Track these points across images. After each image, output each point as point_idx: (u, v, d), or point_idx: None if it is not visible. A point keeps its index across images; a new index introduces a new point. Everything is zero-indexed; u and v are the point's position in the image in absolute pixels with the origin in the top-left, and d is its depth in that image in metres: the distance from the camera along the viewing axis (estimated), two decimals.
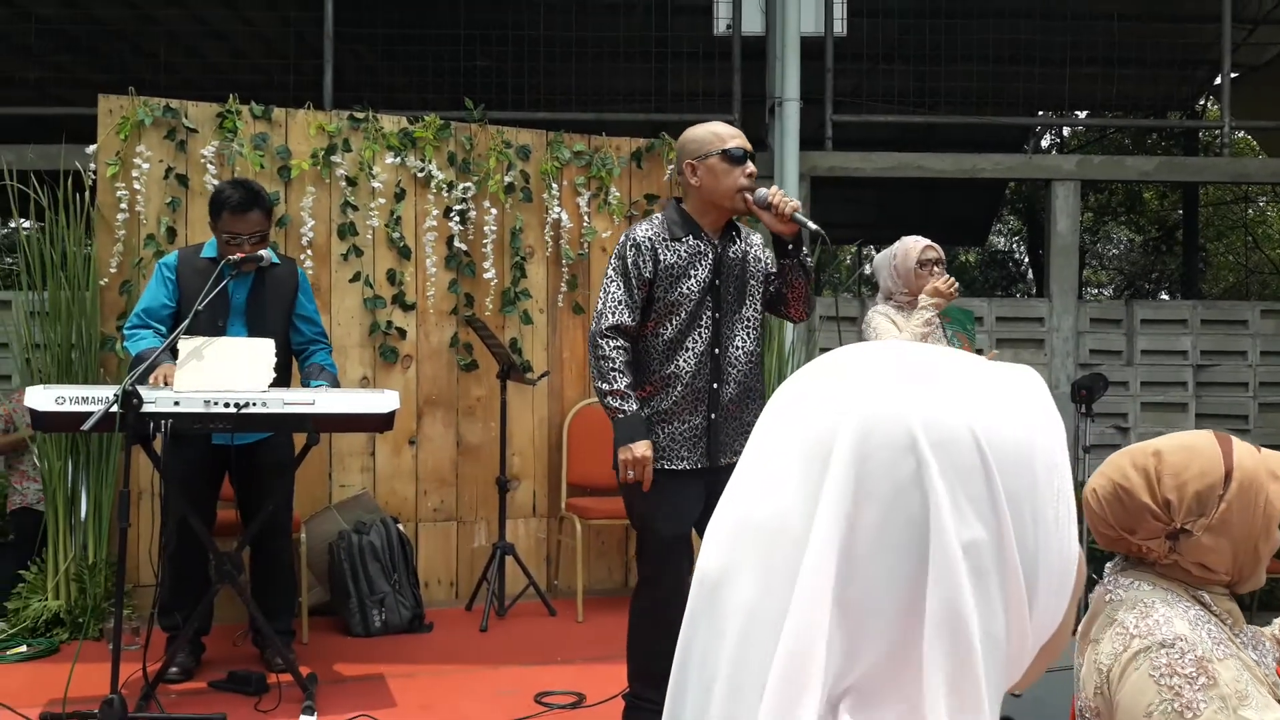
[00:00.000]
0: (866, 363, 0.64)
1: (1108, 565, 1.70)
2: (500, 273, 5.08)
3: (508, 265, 5.11)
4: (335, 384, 3.86)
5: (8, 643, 4.06)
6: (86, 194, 4.51)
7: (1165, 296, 15.57)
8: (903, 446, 0.59)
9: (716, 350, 3.01)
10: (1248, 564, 1.56)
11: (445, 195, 4.99)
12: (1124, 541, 1.60)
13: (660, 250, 2.99)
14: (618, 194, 5.27)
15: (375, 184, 4.88)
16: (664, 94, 8.00)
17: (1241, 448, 1.58)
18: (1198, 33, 9.30)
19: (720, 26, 6.76)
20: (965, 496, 0.58)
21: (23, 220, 5.40)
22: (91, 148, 4.65)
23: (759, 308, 3.11)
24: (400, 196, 4.93)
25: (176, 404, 3.27)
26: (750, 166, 2.98)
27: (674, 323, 2.99)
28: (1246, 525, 1.53)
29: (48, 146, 5.57)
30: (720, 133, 3.00)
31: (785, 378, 4.15)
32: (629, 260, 2.99)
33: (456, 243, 4.99)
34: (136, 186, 4.60)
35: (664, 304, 2.99)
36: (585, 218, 5.22)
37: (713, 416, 3.00)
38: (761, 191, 2.94)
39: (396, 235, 4.92)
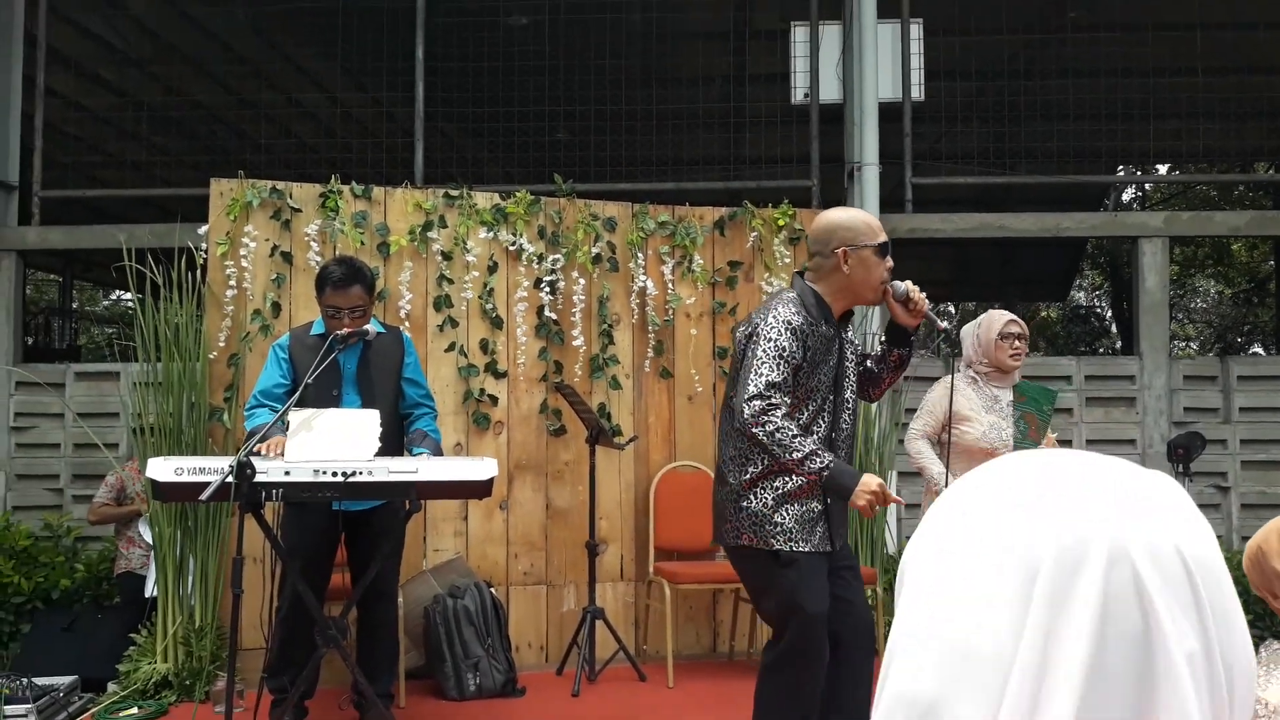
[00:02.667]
0: (1058, 477, 0.66)
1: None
2: (588, 340, 5.19)
3: (595, 333, 5.22)
4: (438, 449, 3.97)
5: (120, 704, 4.21)
6: (198, 271, 4.75)
7: (1259, 350, 15.13)
8: (1117, 563, 0.62)
9: (833, 434, 3.06)
10: None
11: (535, 267, 5.14)
12: (1272, 601, 1.61)
13: (808, 336, 2.98)
14: (701, 262, 5.37)
15: (469, 257, 5.06)
16: (742, 161, 8.14)
17: None
18: None
19: (798, 96, 6.87)
20: (1179, 608, 0.61)
21: (126, 293, 5.69)
22: (203, 228, 4.91)
23: (855, 390, 3.16)
24: (493, 269, 5.10)
25: (287, 474, 3.41)
26: (890, 260, 3.02)
27: (809, 408, 3.01)
28: None
29: (160, 225, 5.88)
30: (874, 225, 3.03)
31: (873, 443, 4.15)
32: (784, 344, 2.94)
33: (546, 312, 5.13)
34: (244, 264, 4.83)
35: (804, 389, 2.99)
36: (670, 285, 5.32)
37: (828, 500, 3.02)
38: (900, 286, 2.99)
39: (489, 306, 5.08)
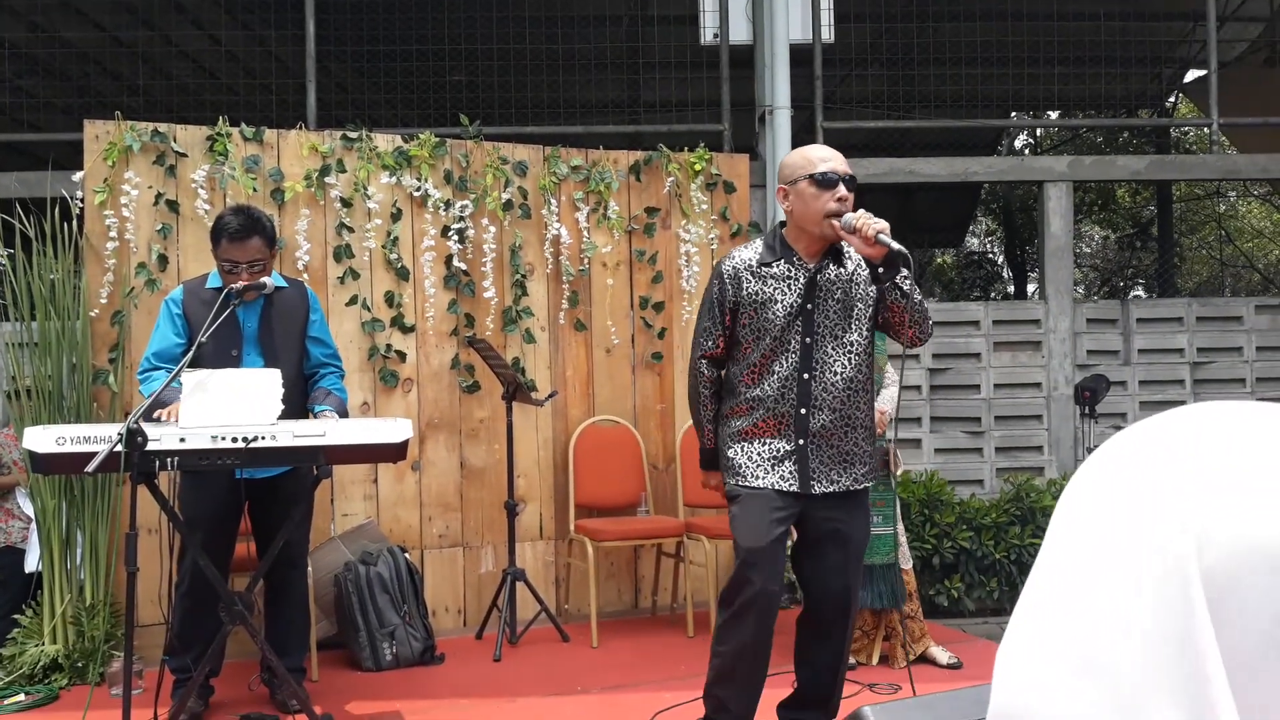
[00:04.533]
0: (1207, 450, 0.51)
1: None
2: (500, 291, 4.98)
3: (508, 283, 5.01)
4: (342, 408, 3.75)
5: (5, 691, 3.91)
6: (74, 222, 4.37)
7: (1140, 292, 15.69)
8: (1271, 568, 0.47)
9: (806, 375, 2.94)
10: None
11: (443, 214, 4.89)
12: None
13: (745, 278, 2.99)
14: (617, 208, 5.19)
15: (371, 204, 4.78)
16: (651, 105, 7.94)
17: None
18: (1165, 30, 9.38)
19: (707, 36, 6.70)
20: None
21: (6, 249, 5.24)
22: (78, 175, 4.51)
23: (866, 333, 3.00)
24: (396, 216, 4.83)
25: (183, 440, 3.15)
26: (842, 191, 2.88)
27: (760, 346, 2.96)
28: None
29: (30, 174, 5.41)
30: (811, 156, 2.94)
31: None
32: (714, 291, 3.07)
33: (455, 262, 4.89)
34: (126, 214, 4.46)
35: (750, 329, 2.98)
36: (585, 233, 5.13)
37: (800, 442, 2.93)
38: (848, 217, 2.84)
39: (394, 256, 4.81)
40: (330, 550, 4.48)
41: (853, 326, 2.98)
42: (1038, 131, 14.79)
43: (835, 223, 2.86)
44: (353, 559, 4.39)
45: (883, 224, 2.81)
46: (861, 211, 2.87)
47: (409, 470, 4.82)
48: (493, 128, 5.97)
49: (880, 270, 2.87)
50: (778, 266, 2.97)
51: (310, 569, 4.18)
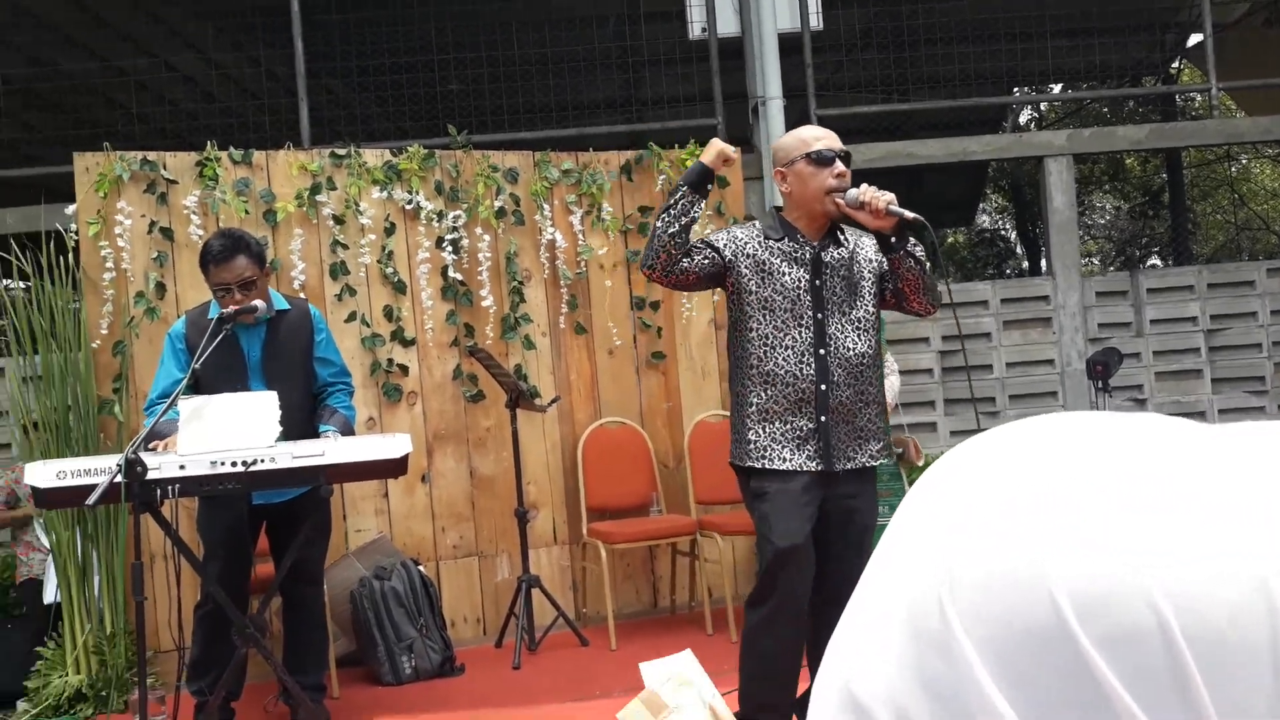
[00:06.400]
0: (978, 460, 0.44)
1: None
2: (498, 299, 4.97)
3: (505, 291, 5.00)
4: (347, 426, 3.75)
5: None
6: (70, 255, 4.39)
7: (1156, 261, 15.54)
8: (1050, 635, 0.38)
9: (822, 350, 2.92)
10: None
11: (436, 225, 4.89)
12: None
13: (751, 244, 2.98)
14: (610, 209, 5.17)
15: (364, 220, 4.78)
16: (644, 102, 7.91)
17: None
18: None
19: (695, 31, 6.67)
20: (1151, 704, 0.38)
21: (6, 282, 5.28)
22: (71, 207, 4.54)
23: (872, 309, 3.00)
24: (390, 231, 4.83)
25: (182, 468, 3.17)
26: (840, 167, 2.90)
27: (769, 319, 2.94)
28: None
29: (26, 209, 5.45)
30: (805, 136, 2.96)
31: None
32: (718, 232, 3.07)
33: (451, 272, 4.89)
34: (120, 244, 4.49)
35: (758, 298, 2.95)
36: (580, 236, 5.12)
37: (822, 419, 2.92)
38: (852, 192, 2.84)
39: (390, 270, 4.82)
40: (344, 567, 4.49)
41: (859, 303, 2.98)
42: (1043, 106, 14.66)
43: (839, 199, 2.87)
44: (367, 574, 4.40)
45: (890, 195, 2.83)
46: (865, 185, 2.87)
47: (419, 483, 4.82)
48: (484, 135, 5.97)
49: (893, 240, 2.87)
50: (783, 243, 2.96)
51: (326, 587, 4.20)
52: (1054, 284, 6.43)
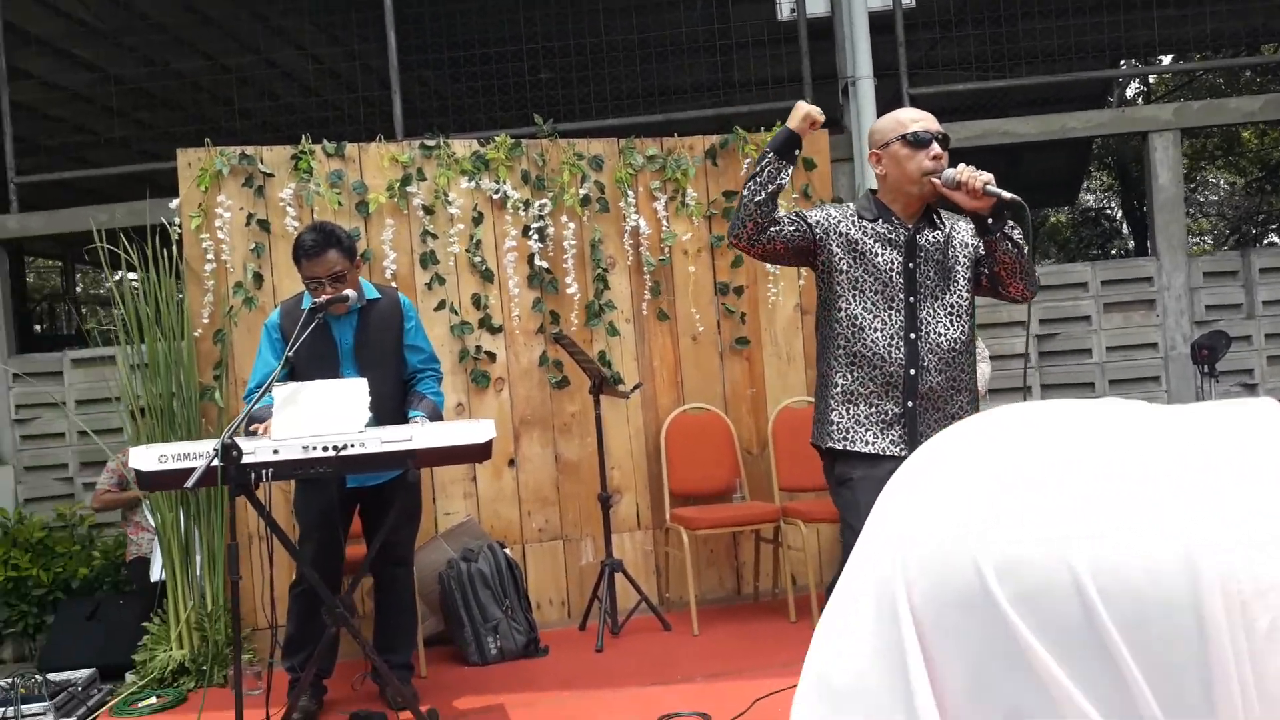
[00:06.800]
0: (936, 457, 0.48)
1: None
2: (583, 286, 5.01)
3: (590, 278, 5.04)
4: (435, 412, 3.84)
5: (139, 695, 4.14)
6: (174, 247, 4.58)
7: (1275, 240, 14.82)
8: (974, 598, 0.43)
9: (913, 335, 2.89)
10: None
11: (522, 214, 4.95)
12: None
13: (844, 223, 2.95)
14: (695, 195, 5.16)
15: (452, 210, 4.86)
16: (732, 86, 7.86)
17: None
18: None
19: (784, 11, 6.60)
20: (1071, 666, 0.41)
21: (116, 274, 5.53)
22: (174, 202, 4.72)
23: (967, 294, 2.95)
24: (478, 220, 4.91)
25: (276, 452, 3.28)
26: (936, 149, 2.86)
27: (860, 300, 2.91)
28: None
29: (134, 204, 5.69)
30: (902, 118, 2.92)
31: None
32: (812, 209, 3.04)
33: (537, 260, 4.95)
34: (220, 236, 4.66)
35: (849, 278, 2.92)
36: (664, 222, 5.12)
37: (909, 404, 2.89)
38: (949, 172, 2.80)
39: (478, 259, 4.90)
40: (433, 549, 4.60)
41: (953, 288, 2.92)
42: (1150, 80, 14.09)
43: (935, 180, 2.83)
44: (455, 556, 4.49)
45: (988, 175, 2.77)
46: (963, 165, 2.82)
47: (506, 467, 4.90)
48: (571, 123, 6.01)
49: (990, 221, 2.82)
50: (877, 224, 2.93)
51: (415, 568, 4.31)
52: (1158, 265, 6.19)
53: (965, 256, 2.95)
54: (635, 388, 4.82)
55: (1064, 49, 7.73)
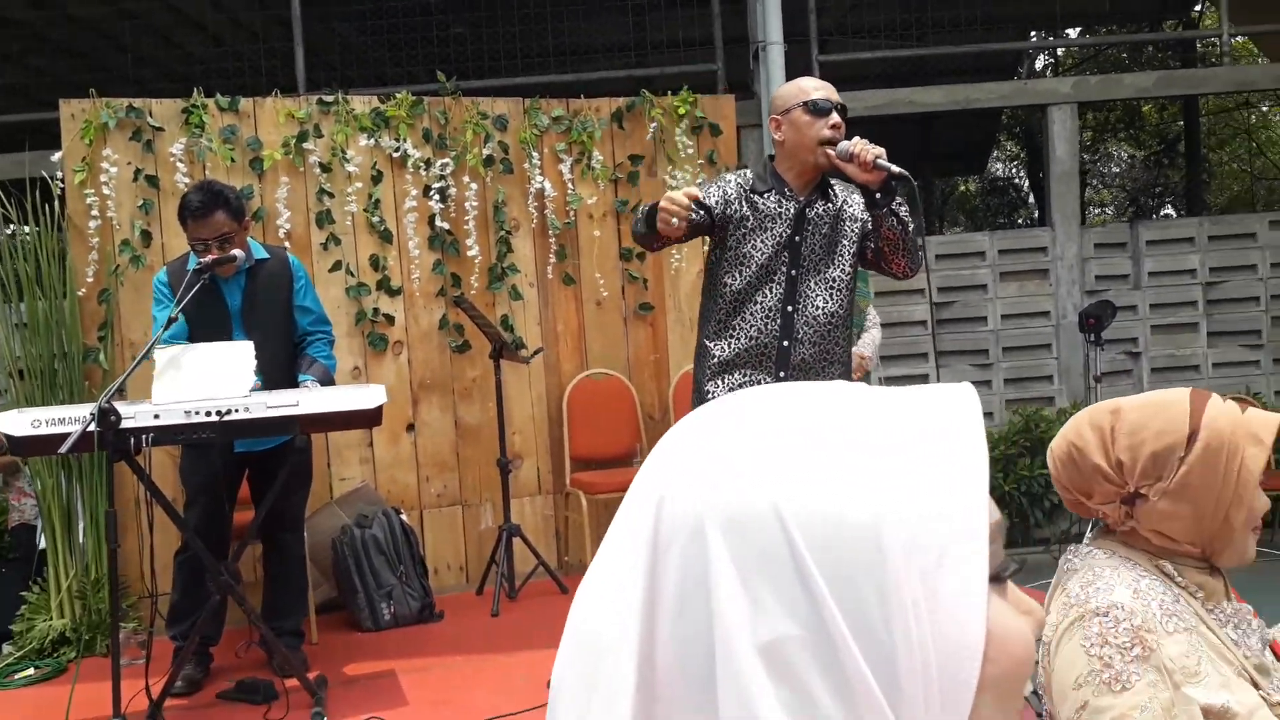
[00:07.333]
0: (689, 427, 0.54)
1: (1088, 531, 1.60)
2: (485, 249, 4.95)
3: (493, 241, 4.98)
4: (327, 376, 3.77)
5: (16, 666, 4.02)
6: (56, 203, 4.40)
7: (1170, 211, 15.32)
8: (691, 533, 0.49)
9: (790, 308, 2.92)
10: (1218, 534, 1.41)
11: (423, 173, 4.86)
12: (1082, 506, 1.49)
13: (737, 200, 2.94)
14: (601, 158, 5.12)
15: (350, 168, 4.75)
16: (645, 47, 7.80)
17: (1219, 408, 1.43)
18: None
19: None
20: (768, 587, 0.48)
21: None
22: (56, 155, 4.53)
23: (849, 269, 2.98)
24: (377, 179, 4.81)
25: (156, 417, 3.19)
26: (835, 118, 2.87)
27: (743, 275, 2.92)
28: (1213, 491, 1.38)
29: (13, 155, 5.44)
30: (804, 86, 2.94)
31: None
32: (714, 182, 3.00)
33: (438, 222, 4.87)
34: (106, 191, 4.48)
35: (735, 254, 2.93)
36: (570, 185, 5.08)
37: (782, 375, 2.92)
38: (843, 144, 2.82)
39: (376, 219, 4.80)
40: (327, 515, 4.54)
41: (836, 262, 2.96)
42: (1059, 52, 14.38)
43: (830, 150, 2.85)
44: (349, 522, 4.44)
45: (879, 149, 2.80)
46: (857, 138, 2.84)
47: (404, 432, 4.85)
48: (479, 81, 5.90)
49: (878, 195, 2.85)
50: (769, 198, 2.94)
51: (306, 534, 4.25)
52: (1052, 235, 6.35)
53: (853, 230, 2.98)
54: (536, 352, 4.80)
55: (975, 19, 7.83)
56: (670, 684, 0.49)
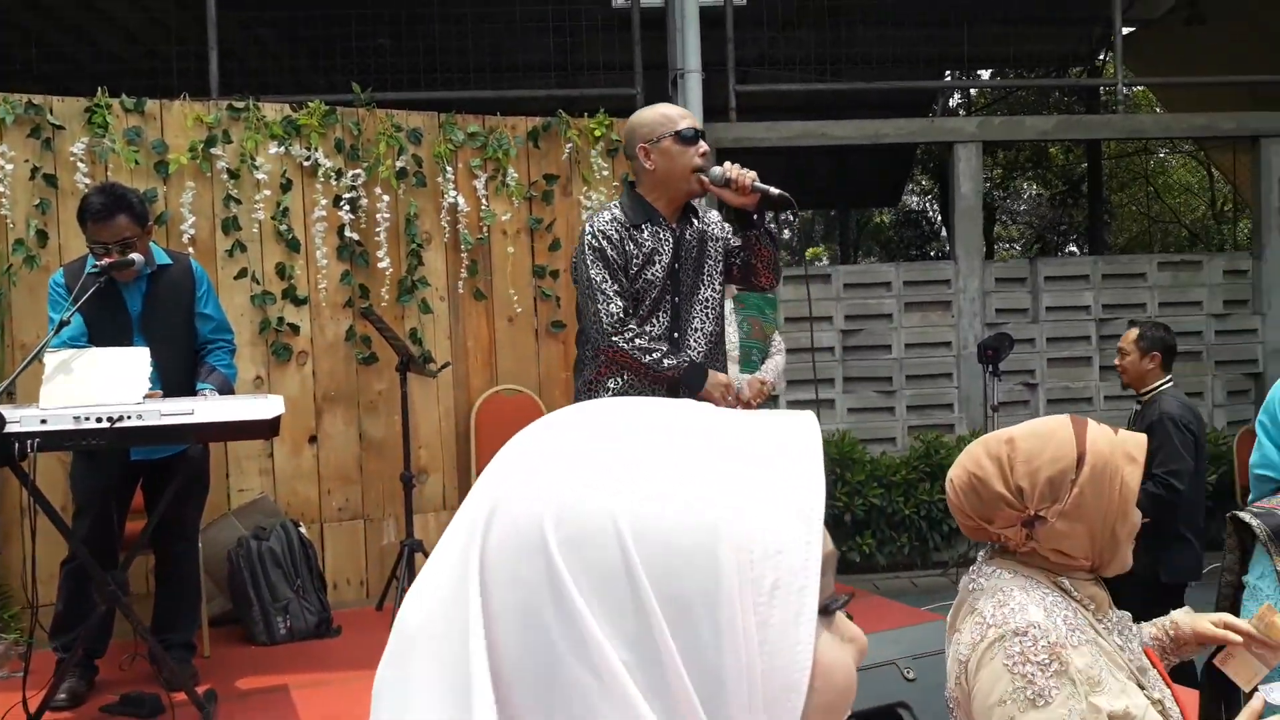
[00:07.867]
0: (531, 436, 0.55)
1: (979, 554, 1.67)
2: (396, 261, 4.93)
3: (403, 253, 4.96)
4: (226, 385, 3.71)
5: None
6: None
7: (1074, 249, 15.89)
8: (532, 547, 0.50)
9: (676, 334, 2.97)
10: (1107, 547, 1.54)
11: (334, 183, 4.82)
12: (983, 531, 1.58)
13: (624, 238, 2.94)
14: (516, 175, 5.14)
15: (259, 175, 4.70)
16: (566, 69, 7.86)
17: (1097, 431, 1.56)
18: None
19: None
20: (603, 607, 0.49)
21: None
22: None
23: (718, 288, 3.05)
24: (286, 187, 4.75)
25: (44, 422, 3.10)
26: (703, 146, 2.93)
27: (639, 309, 2.95)
28: (1101, 509, 1.51)
29: None
30: (670, 114, 2.96)
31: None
32: (601, 254, 2.92)
33: (348, 232, 4.83)
34: (1, 189, 4.36)
35: (628, 294, 2.95)
36: (483, 201, 5.09)
37: (681, 394, 2.96)
38: (716, 170, 2.88)
39: (284, 227, 4.75)
40: (224, 526, 4.45)
41: (706, 282, 3.03)
42: (972, 92, 14.85)
43: (704, 177, 2.90)
44: (245, 534, 4.36)
45: (753, 172, 2.88)
46: (728, 163, 2.91)
47: (306, 444, 4.79)
48: (393, 93, 5.88)
49: (754, 217, 2.93)
50: (647, 229, 2.97)
51: (201, 545, 4.16)
52: (956, 268, 6.55)
53: (716, 251, 3.07)
54: (443, 367, 4.78)
55: (893, 57, 8.06)
56: (518, 698, 0.50)
